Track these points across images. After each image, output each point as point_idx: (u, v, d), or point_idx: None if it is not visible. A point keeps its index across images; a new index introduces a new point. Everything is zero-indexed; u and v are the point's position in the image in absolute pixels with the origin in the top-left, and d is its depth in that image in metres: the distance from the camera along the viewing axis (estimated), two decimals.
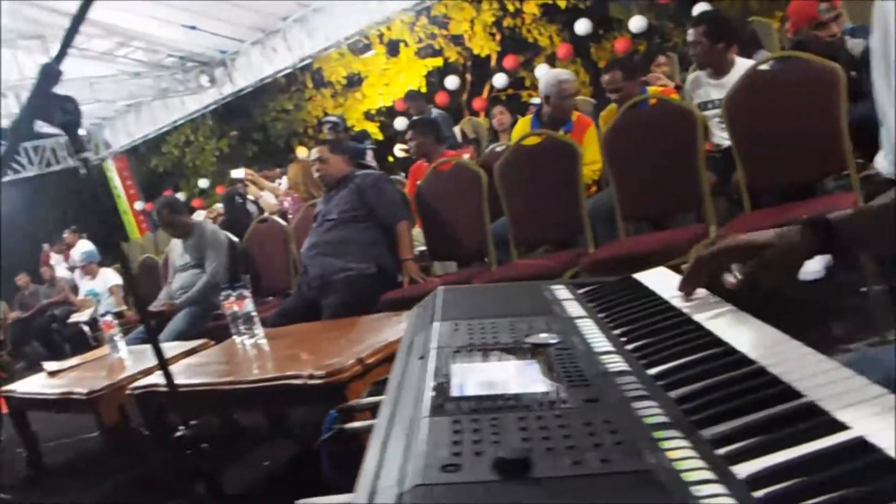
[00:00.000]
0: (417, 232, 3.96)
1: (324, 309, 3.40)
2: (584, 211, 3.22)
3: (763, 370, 0.71)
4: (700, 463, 0.58)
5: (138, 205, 12.41)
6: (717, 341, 0.84)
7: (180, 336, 4.11)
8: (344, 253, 3.54)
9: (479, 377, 0.85)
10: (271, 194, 6.30)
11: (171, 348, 3.17)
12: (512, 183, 3.42)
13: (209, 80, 10.12)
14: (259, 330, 2.88)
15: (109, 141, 12.02)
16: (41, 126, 1.47)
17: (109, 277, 7.65)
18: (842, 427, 0.57)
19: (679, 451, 0.61)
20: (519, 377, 0.83)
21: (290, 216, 5.35)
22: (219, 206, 7.67)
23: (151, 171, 13.68)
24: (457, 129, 7.30)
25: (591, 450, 0.60)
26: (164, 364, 1.70)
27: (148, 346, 2.79)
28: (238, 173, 6.48)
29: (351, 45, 9.98)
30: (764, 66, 2.94)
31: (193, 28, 8.68)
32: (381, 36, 11.29)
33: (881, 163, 0.99)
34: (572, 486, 0.57)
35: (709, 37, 3.55)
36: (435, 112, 6.46)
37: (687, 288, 1.01)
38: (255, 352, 2.72)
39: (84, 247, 8.59)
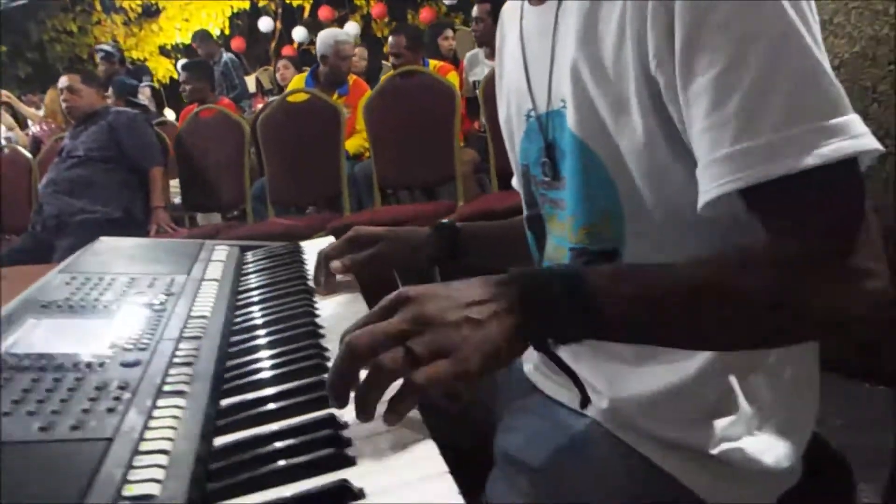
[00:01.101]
0: (175, 184, 3.77)
1: (56, 250, 3.16)
2: (344, 175, 3.23)
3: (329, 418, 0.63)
4: (169, 434, 0.59)
5: None
6: (312, 343, 0.80)
7: None
8: (85, 194, 3.29)
9: (45, 334, 0.82)
10: (31, 124, 5.70)
11: None
12: (274, 139, 3.35)
13: None
14: None
15: None
16: None
17: None
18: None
19: (165, 422, 0.61)
20: (84, 336, 0.81)
21: (43, 147, 4.86)
22: None
23: None
24: (252, 78, 7.02)
25: (75, 415, 0.60)
26: None
27: None
28: None
29: None
30: None
31: None
32: None
33: (514, 181, 1.03)
34: (23, 451, 0.56)
35: (491, 15, 3.69)
36: (225, 57, 6.13)
37: (317, 281, 1.01)
38: None
39: None
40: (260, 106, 5.32)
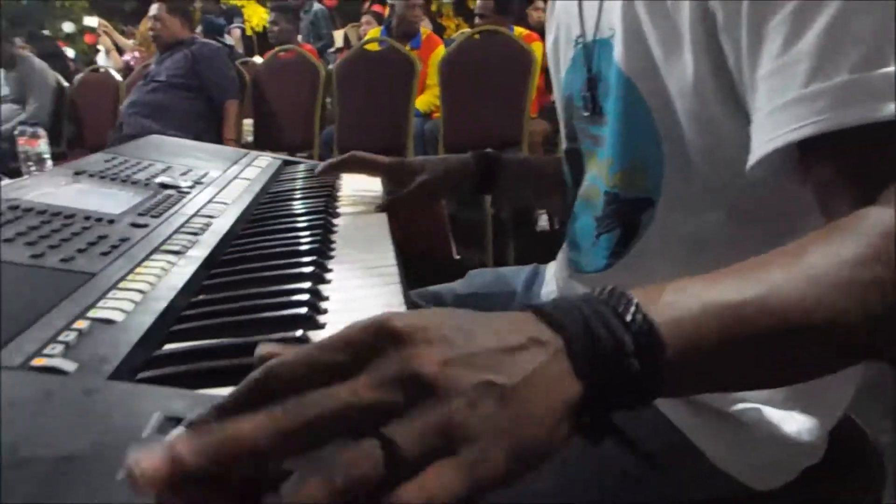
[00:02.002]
0: (249, 123, 3.84)
1: None
2: (411, 129, 3.24)
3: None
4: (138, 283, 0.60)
5: None
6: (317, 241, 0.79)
7: None
8: (162, 118, 3.39)
9: (72, 194, 0.85)
10: (124, 51, 5.91)
11: None
12: (348, 86, 3.37)
13: None
14: None
15: None
16: None
17: None
18: None
19: (152, 271, 0.62)
20: (105, 199, 0.83)
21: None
22: None
23: (16, 1, 12.40)
24: (341, 33, 7.08)
25: (68, 252, 0.62)
26: None
27: None
28: (90, 21, 6.01)
29: None
30: None
31: None
32: None
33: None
34: (10, 271, 0.57)
35: None
36: (316, 7, 6.21)
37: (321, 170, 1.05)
38: None
39: None
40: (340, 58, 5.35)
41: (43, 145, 2.86)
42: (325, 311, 0.57)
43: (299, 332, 0.52)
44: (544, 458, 0.34)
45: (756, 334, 0.41)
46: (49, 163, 2.80)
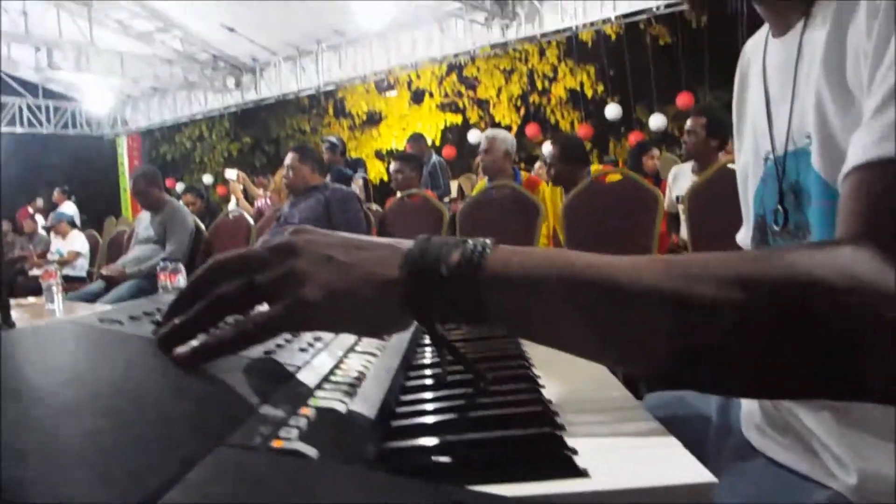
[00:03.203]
0: None
1: None
2: None
3: None
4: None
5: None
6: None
7: (119, 304, 4.07)
8: None
9: None
10: (255, 199, 6.35)
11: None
12: (471, 226, 3.44)
13: (235, 83, 10.30)
14: None
15: (128, 119, 12.16)
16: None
17: (75, 241, 7.59)
18: None
19: (355, 366, 0.60)
20: None
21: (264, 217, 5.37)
22: None
23: (161, 156, 13.81)
24: (455, 184, 7.39)
25: (271, 346, 0.60)
26: None
27: (87, 305, 2.70)
28: (230, 174, 6.54)
29: (377, 82, 10.19)
30: (731, 165, 2.98)
31: (232, 30, 8.89)
32: (409, 82, 11.53)
33: (740, 236, 0.96)
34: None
35: (706, 129, 3.61)
36: (435, 158, 6.53)
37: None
38: None
39: (66, 208, 8.58)
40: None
41: (181, 280, 3.02)
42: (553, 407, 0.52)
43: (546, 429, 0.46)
44: (363, 318, 0.49)
45: (577, 284, 0.46)
46: None
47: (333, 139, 6.36)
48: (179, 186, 11.70)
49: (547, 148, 3.95)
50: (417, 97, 12.06)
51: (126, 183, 12.73)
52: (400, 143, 12.05)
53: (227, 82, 10.35)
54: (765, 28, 0.82)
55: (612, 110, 9.32)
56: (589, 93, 11.00)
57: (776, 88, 0.75)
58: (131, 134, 12.51)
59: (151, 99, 11.60)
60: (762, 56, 0.79)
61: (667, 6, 6.47)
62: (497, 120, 11.79)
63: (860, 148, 0.51)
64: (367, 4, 7.16)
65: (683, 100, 8.72)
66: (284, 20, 8.58)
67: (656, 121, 8.89)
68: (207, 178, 12.87)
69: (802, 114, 0.68)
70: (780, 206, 0.73)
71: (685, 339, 0.44)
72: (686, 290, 0.45)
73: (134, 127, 12.19)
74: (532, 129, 10.26)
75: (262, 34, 9.05)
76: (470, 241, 0.50)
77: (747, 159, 0.84)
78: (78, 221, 8.64)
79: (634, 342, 0.46)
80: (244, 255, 0.52)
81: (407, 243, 0.51)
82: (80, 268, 7.41)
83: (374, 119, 12.55)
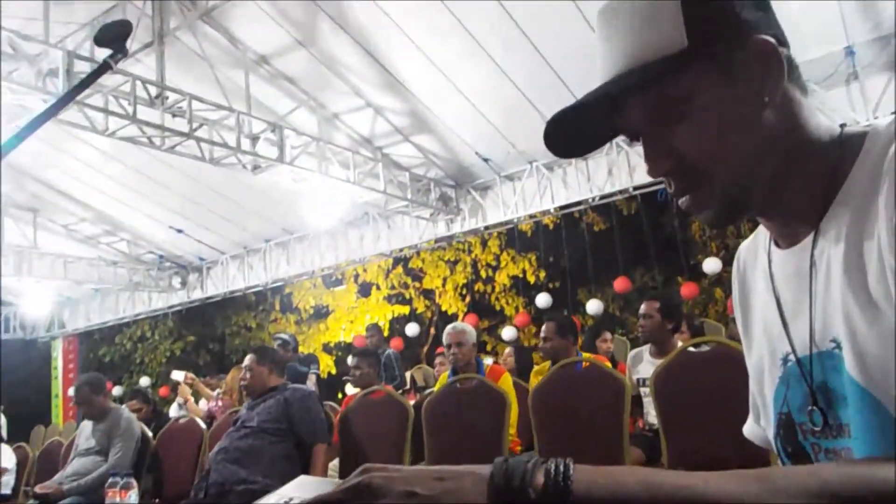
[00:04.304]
0: (334, 465, 3.81)
1: None
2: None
3: None
4: None
5: (72, 390, 11.89)
6: None
7: None
8: (251, 463, 3.37)
9: None
10: (203, 401, 6.14)
11: None
12: (437, 420, 3.38)
13: (181, 283, 10.30)
14: None
15: (66, 321, 11.87)
16: None
17: (2, 455, 7.07)
18: None
19: None
20: None
21: (216, 420, 5.15)
22: None
23: (99, 359, 13.37)
24: (408, 375, 7.33)
25: None
26: None
27: None
28: (178, 375, 6.36)
29: (325, 277, 10.34)
30: (692, 349, 3.06)
31: (180, 231, 9.04)
32: (356, 276, 11.74)
33: (747, 429, 0.98)
34: None
35: (661, 312, 3.74)
36: (389, 351, 6.53)
37: None
38: None
39: None
40: (412, 401, 5.46)
41: (133, 497, 2.83)
42: None
43: None
44: None
45: (662, 498, 0.50)
46: None
47: (286, 336, 6.34)
48: (117, 389, 11.23)
49: (544, 326, 4.15)
50: (365, 290, 12.24)
51: (58, 388, 12.15)
52: (348, 336, 12.03)
53: (173, 281, 10.34)
54: (759, 234, 0.89)
55: (542, 299, 9.59)
56: (531, 279, 11.38)
57: (789, 295, 0.80)
58: (67, 336, 12.16)
59: (92, 300, 11.43)
60: (766, 264, 0.85)
61: (601, 197, 6.92)
62: (444, 309, 11.98)
63: None
64: (317, 205, 7.43)
65: (621, 284, 9.10)
66: (233, 222, 8.80)
67: (594, 306, 9.19)
68: (144, 380, 12.42)
69: (825, 320, 0.73)
70: (815, 407, 0.76)
71: None
72: (771, 499, 0.49)
73: (72, 329, 11.88)
74: (471, 319, 10.43)
75: (209, 235, 9.22)
76: (551, 462, 0.53)
77: (761, 359, 0.87)
78: (5, 433, 8.11)
79: None
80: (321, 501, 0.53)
81: (485, 469, 0.53)
82: (6, 485, 6.85)
83: (321, 313, 12.59)
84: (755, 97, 0.73)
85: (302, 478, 1.42)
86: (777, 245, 0.82)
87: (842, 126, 0.76)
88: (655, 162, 0.76)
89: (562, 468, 0.52)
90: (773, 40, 0.73)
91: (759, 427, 0.94)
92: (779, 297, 0.82)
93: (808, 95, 0.76)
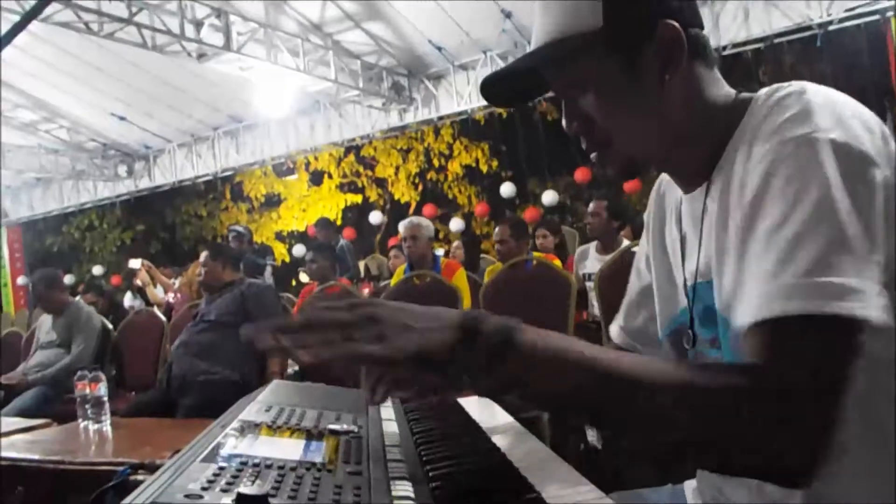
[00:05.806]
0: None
1: (179, 408, 3.32)
2: None
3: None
4: None
5: (21, 279, 11.79)
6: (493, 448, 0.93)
7: (23, 414, 3.85)
8: (211, 356, 3.49)
9: (266, 446, 0.91)
10: (161, 288, 6.19)
11: (8, 423, 2.97)
12: None
13: (127, 171, 10.07)
14: (106, 417, 2.77)
15: (8, 210, 11.57)
16: None
17: None
18: None
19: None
20: (301, 450, 0.89)
21: (174, 313, 5.24)
22: None
23: (46, 248, 13.17)
24: (361, 264, 7.46)
25: (328, 499, 0.67)
26: None
27: None
28: (135, 263, 6.37)
29: (276, 165, 10.22)
30: (635, 249, 3.21)
31: (123, 119, 8.74)
32: (307, 164, 11.62)
33: (614, 330, 1.15)
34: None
35: (608, 211, 3.90)
36: (342, 242, 6.61)
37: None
38: (95, 438, 2.60)
39: None
40: (366, 290, 5.60)
41: (102, 389, 2.91)
42: None
43: None
44: (440, 381, 0.71)
45: (592, 367, 0.68)
46: (107, 405, 2.84)
47: (240, 229, 6.34)
48: (68, 278, 11.15)
49: (497, 228, 4.24)
50: (316, 179, 12.15)
51: (6, 277, 12.02)
52: (301, 225, 12.04)
53: (119, 170, 10.10)
54: None
55: (507, 188, 9.72)
56: (484, 168, 11.44)
57: (689, 233, 0.94)
58: (11, 226, 11.90)
59: (35, 189, 11.13)
60: (678, 203, 0.98)
61: None
62: (396, 198, 12.01)
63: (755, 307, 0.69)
64: (266, 94, 7.26)
65: (581, 174, 9.16)
66: (179, 110, 8.54)
67: (549, 196, 9.33)
68: (97, 269, 12.35)
69: (707, 257, 0.87)
70: (690, 330, 0.93)
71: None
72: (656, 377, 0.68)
73: (14, 218, 11.61)
74: (429, 209, 10.51)
75: (154, 122, 8.94)
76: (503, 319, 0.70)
77: (661, 282, 1.02)
78: None
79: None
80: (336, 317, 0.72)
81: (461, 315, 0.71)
82: None
83: (273, 201, 12.51)
84: (655, 77, 0.83)
85: (276, 382, 1.54)
86: (684, 191, 0.95)
87: (738, 92, 0.87)
88: (569, 123, 0.88)
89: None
90: (677, 25, 0.82)
91: (623, 332, 1.16)
92: (683, 234, 0.96)
93: (713, 67, 0.87)
